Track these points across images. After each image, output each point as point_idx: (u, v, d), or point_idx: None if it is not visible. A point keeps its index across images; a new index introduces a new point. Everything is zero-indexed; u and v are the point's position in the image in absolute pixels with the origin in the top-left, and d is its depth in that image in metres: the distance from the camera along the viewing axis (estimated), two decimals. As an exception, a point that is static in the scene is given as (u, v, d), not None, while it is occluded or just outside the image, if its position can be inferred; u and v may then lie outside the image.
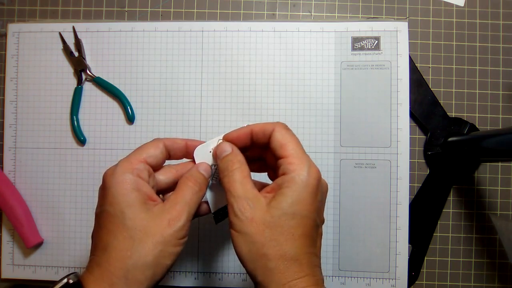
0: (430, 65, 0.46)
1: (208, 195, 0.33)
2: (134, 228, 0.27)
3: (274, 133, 0.30)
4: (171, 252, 0.27)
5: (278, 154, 0.29)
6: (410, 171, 0.44)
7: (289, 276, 0.26)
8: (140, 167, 0.29)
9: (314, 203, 0.28)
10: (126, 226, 0.27)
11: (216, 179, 0.33)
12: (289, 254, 0.26)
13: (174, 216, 0.28)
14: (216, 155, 0.31)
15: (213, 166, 0.33)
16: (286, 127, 0.30)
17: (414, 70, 0.45)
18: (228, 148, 0.31)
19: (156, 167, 0.31)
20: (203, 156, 0.33)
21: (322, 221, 0.30)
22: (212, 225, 0.45)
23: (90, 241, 0.30)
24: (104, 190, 0.28)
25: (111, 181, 0.28)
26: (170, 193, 0.32)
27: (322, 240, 0.31)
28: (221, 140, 0.32)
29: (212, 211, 0.34)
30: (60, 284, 0.27)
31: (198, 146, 0.33)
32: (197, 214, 0.32)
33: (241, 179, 0.29)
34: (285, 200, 0.27)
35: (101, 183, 0.29)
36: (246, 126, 0.31)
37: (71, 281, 0.27)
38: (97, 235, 0.28)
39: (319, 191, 0.29)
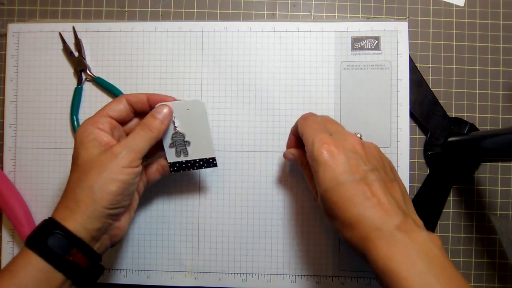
0: (430, 65, 0.46)
1: (165, 144, 0.38)
2: (84, 164, 0.32)
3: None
4: (114, 178, 0.32)
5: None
6: (410, 171, 0.44)
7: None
8: (101, 120, 0.34)
9: (335, 166, 0.30)
10: (78, 164, 0.33)
11: (179, 134, 0.38)
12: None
13: (116, 149, 0.33)
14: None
15: (174, 118, 0.38)
16: (302, 117, 0.37)
17: (414, 70, 0.45)
18: None
19: (122, 120, 0.37)
20: (179, 112, 0.37)
21: (374, 167, 0.31)
22: (212, 225, 0.45)
23: None
24: (76, 141, 0.34)
25: (77, 133, 0.34)
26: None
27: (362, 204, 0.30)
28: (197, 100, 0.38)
29: (169, 161, 0.39)
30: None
31: (174, 103, 0.37)
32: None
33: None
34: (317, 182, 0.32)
35: None
36: None
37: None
38: (70, 178, 0.34)
39: (335, 154, 0.30)
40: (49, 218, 0.32)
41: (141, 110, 0.38)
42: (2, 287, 0.29)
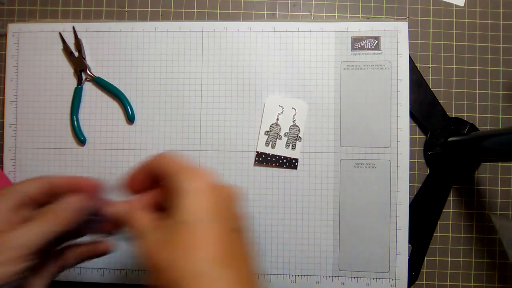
0: (430, 65, 0.46)
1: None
2: None
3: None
4: None
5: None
6: (410, 171, 0.44)
7: None
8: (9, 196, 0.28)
9: None
10: None
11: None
12: None
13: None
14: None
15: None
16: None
17: (414, 70, 0.45)
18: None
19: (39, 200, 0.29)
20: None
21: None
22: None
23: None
24: None
25: None
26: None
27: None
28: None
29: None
30: None
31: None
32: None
33: None
34: None
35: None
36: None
37: None
38: None
39: None
40: None
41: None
42: None
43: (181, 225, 0.24)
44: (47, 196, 0.29)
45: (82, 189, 0.30)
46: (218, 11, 0.47)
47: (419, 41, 0.46)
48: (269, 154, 0.44)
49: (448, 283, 0.45)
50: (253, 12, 0.47)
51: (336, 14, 0.47)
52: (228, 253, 0.24)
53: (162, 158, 0.28)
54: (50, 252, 0.30)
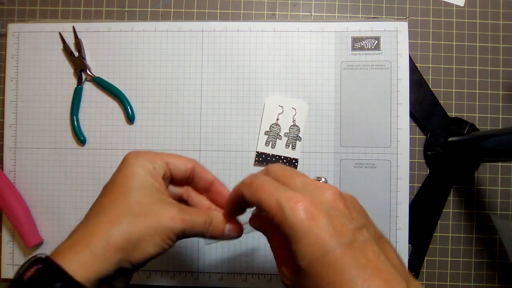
0: (430, 65, 0.46)
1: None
2: (137, 203, 0.27)
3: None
4: (157, 243, 0.26)
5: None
6: (410, 171, 0.44)
7: None
8: (161, 165, 0.29)
9: (319, 230, 0.23)
10: (131, 199, 0.27)
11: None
12: None
13: (179, 217, 0.27)
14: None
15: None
16: (245, 184, 0.27)
17: (414, 70, 0.45)
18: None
19: (173, 178, 0.31)
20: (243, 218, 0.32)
21: (361, 225, 0.24)
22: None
23: None
24: (123, 165, 0.28)
25: (134, 161, 0.28)
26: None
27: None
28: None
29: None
30: (28, 264, 0.24)
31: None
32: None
33: None
34: None
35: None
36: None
37: (42, 256, 0.25)
38: (96, 202, 0.28)
39: (315, 214, 0.23)
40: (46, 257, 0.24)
41: (197, 187, 0.32)
42: None
43: (315, 269, 0.22)
44: (183, 180, 0.31)
45: (221, 202, 0.31)
46: (218, 11, 0.47)
47: (419, 41, 0.46)
48: (269, 154, 0.44)
49: (448, 283, 0.45)
50: (253, 12, 0.47)
51: (336, 14, 0.47)
52: (379, 269, 0.22)
53: (247, 191, 0.26)
54: None
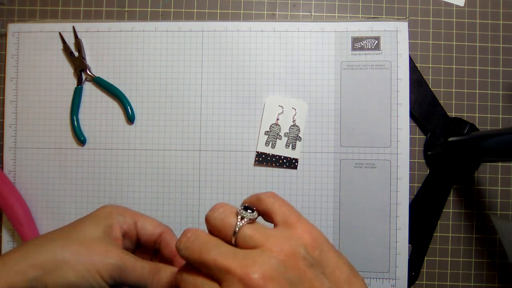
0: (430, 65, 0.46)
1: None
2: (78, 231, 0.27)
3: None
4: (80, 272, 0.25)
5: None
6: (410, 171, 0.44)
7: None
8: (128, 220, 0.29)
9: None
10: (76, 229, 0.27)
11: None
12: None
13: (116, 253, 0.26)
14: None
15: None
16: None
17: (414, 70, 0.45)
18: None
19: (140, 240, 0.30)
20: None
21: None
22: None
23: None
24: (93, 211, 0.29)
25: (103, 209, 0.29)
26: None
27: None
28: None
29: None
30: None
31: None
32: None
33: None
34: None
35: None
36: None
37: None
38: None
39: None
40: None
41: (163, 255, 0.31)
42: None
43: None
44: (150, 243, 0.30)
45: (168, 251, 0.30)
46: (218, 11, 0.47)
47: (419, 41, 0.46)
48: (269, 154, 0.44)
49: (448, 283, 0.45)
50: (253, 12, 0.47)
51: (336, 14, 0.47)
52: None
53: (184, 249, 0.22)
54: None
